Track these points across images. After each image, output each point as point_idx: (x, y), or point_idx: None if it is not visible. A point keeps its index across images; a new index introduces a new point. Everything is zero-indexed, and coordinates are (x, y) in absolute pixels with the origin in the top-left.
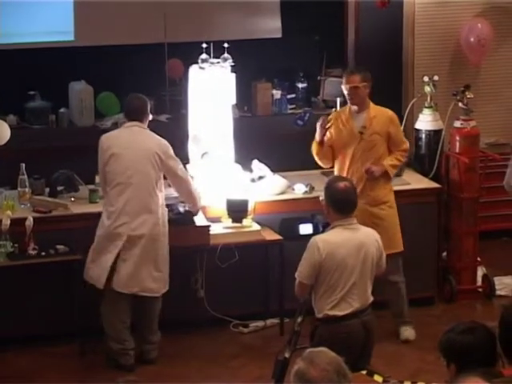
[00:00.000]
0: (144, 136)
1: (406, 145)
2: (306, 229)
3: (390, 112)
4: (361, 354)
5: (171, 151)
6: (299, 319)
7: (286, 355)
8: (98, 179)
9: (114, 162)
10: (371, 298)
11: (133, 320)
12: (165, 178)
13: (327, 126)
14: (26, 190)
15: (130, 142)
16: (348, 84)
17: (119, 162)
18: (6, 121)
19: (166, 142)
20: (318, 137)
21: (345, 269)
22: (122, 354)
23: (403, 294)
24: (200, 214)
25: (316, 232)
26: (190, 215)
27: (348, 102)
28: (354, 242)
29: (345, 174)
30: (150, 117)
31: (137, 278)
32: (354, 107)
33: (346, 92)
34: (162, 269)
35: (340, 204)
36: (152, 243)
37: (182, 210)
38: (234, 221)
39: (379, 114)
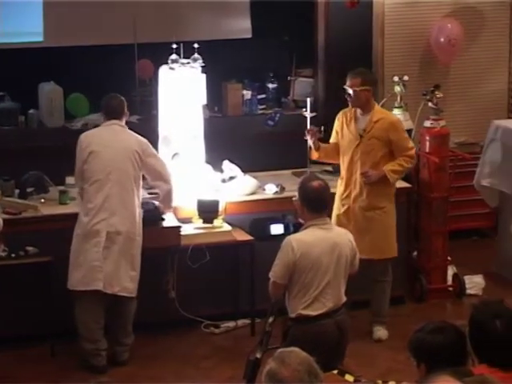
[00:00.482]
0: (123, 134)
1: (412, 151)
2: (277, 229)
3: (393, 118)
4: (334, 354)
5: (151, 149)
6: (270, 319)
7: (258, 355)
8: (68, 180)
9: (93, 160)
10: (344, 298)
11: (106, 321)
12: (144, 178)
13: (317, 135)
14: None
15: (109, 140)
16: (348, 86)
17: (98, 160)
18: None
19: (145, 140)
20: (312, 146)
21: (319, 268)
22: (94, 355)
23: (386, 293)
24: (170, 214)
25: (287, 232)
26: (157, 212)
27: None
28: (328, 241)
29: (344, 174)
30: (127, 116)
31: (117, 277)
32: (358, 109)
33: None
34: (137, 269)
35: (314, 203)
36: (129, 241)
37: (151, 207)
38: (205, 221)
39: (382, 119)
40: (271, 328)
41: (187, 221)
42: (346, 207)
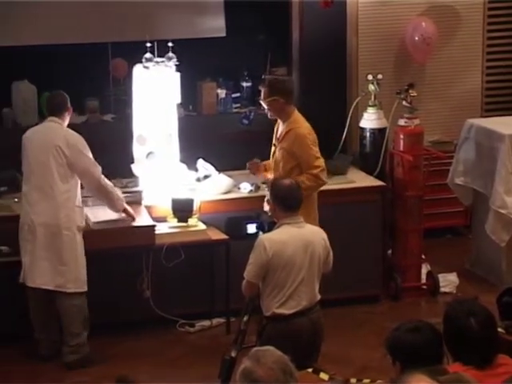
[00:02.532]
0: (52, 130)
1: (316, 170)
2: (252, 228)
3: (299, 130)
4: (309, 352)
5: (80, 146)
6: (245, 318)
7: (233, 354)
8: None
9: (25, 156)
10: (318, 296)
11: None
12: None
13: (260, 167)
14: None
15: (38, 136)
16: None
17: (27, 155)
18: None
19: (76, 136)
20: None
21: (292, 267)
22: (37, 342)
23: None
24: (145, 213)
25: (262, 231)
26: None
27: None
28: (301, 239)
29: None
30: (70, 112)
31: (37, 271)
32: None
33: None
34: (69, 263)
35: (285, 201)
36: (52, 235)
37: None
38: (180, 220)
39: (291, 130)
40: (246, 327)
41: (162, 220)
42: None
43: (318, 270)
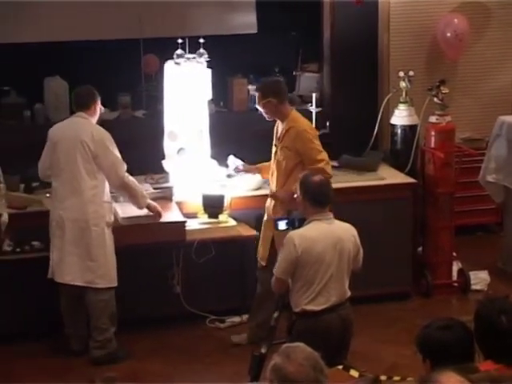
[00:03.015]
0: (79, 125)
1: (320, 164)
2: (283, 224)
3: (301, 126)
4: (338, 349)
5: (106, 141)
6: (275, 314)
7: (263, 350)
8: None
9: (53, 152)
10: (349, 293)
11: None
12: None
13: (245, 168)
14: (1, 186)
15: (65, 131)
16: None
17: (55, 151)
18: None
19: (102, 132)
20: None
21: (321, 264)
22: (68, 338)
23: None
24: (175, 209)
25: (292, 227)
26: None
27: None
28: (331, 236)
29: (270, 182)
30: (102, 109)
31: (66, 266)
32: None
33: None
34: (98, 259)
35: (315, 197)
36: (81, 231)
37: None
38: (210, 216)
39: (292, 128)
40: (276, 323)
41: (192, 216)
42: (268, 216)
43: (347, 266)
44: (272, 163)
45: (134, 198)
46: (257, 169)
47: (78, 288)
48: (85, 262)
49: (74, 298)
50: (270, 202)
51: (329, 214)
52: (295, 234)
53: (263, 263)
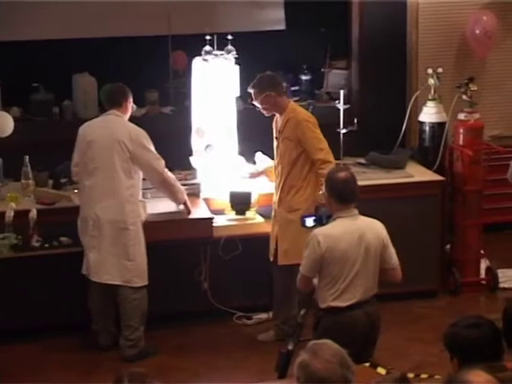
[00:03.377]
0: (115, 124)
1: (321, 154)
2: (310, 221)
3: (300, 116)
4: (364, 346)
5: (143, 140)
6: (302, 311)
7: (290, 347)
8: None
9: (88, 150)
10: (375, 290)
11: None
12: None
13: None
14: (30, 182)
15: (100, 130)
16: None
17: (91, 150)
18: (9, 113)
19: (138, 130)
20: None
21: (346, 261)
22: (96, 333)
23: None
24: (203, 206)
25: (320, 224)
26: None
27: None
28: (355, 233)
29: (276, 176)
30: (134, 107)
31: (104, 266)
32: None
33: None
34: (135, 258)
35: (341, 194)
36: (118, 231)
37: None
38: (238, 213)
39: (291, 118)
40: (303, 320)
41: (220, 212)
42: (274, 211)
43: (373, 262)
44: (275, 158)
45: (173, 193)
46: (263, 173)
47: (111, 286)
48: (123, 262)
49: (105, 296)
50: (277, 197)
51: (354, 211)
52: (319, 231)
53: (271, 258)
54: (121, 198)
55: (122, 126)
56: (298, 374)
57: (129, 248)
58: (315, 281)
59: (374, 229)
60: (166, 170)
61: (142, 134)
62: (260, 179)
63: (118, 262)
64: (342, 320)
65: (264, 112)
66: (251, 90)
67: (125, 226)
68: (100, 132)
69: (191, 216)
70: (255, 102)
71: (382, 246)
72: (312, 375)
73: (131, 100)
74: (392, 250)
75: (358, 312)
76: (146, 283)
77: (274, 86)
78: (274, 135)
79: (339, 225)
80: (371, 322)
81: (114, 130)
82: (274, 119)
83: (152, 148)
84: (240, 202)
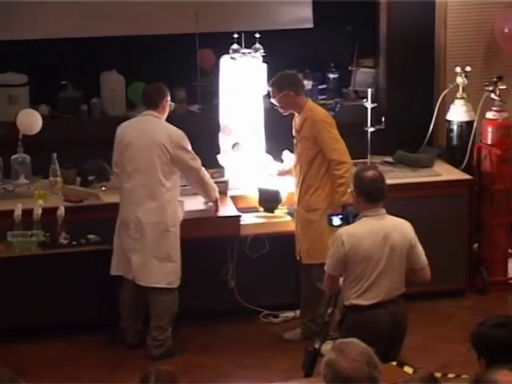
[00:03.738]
0: (154, 125)
1: (336, 155)
2: (337, 220)
3: (317, 115)
4: (389, 345)
5: (183, 142)
6: (329, 310)
7: (316, 346)
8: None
9: (125, 151)
10: (402, 289)
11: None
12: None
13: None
14: (58, 179)
15: (139, 131)
16: (272, 98)
17: (129, 151)
18: (38, 111)
19: (178, 132)
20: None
21: (370, 260)
22: (124, 331)
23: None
24: (230, 204)
25: (347, 223)
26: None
27: None
28: (380, 233)
29: (295, 175)
30: (172, 105)
31: (149, 269)
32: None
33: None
34: (176, 260)
35: (369, 193)
36: (161, 233)
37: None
38: (267, 211)
39: (308, 117)
40: (330, 319)
41: (247, 210)
42: (295, 210)
43: (399, 262)
44: (294, 157)
45: (207, 191)
46: (289, 172)
47: (145, 287)
48: (165, 264)
49: (138, 296)
50: (297, 197)
51: (381, 210)
52: (343, 230)
53: (298, 257)
54: (162, 201)
55: (161, 127)
56: (324, 372)
57: (171, 249)
58: (341, 280)
59: (401, 229)
60: (203, 168)
61: (181, 136)
62: (286, 177)
63: (161, 265)
64: (365, 319)
65: (281, 110)
66: (270, 88)
67: (166, 228)
68: (138, 133)
69: (218, 214)
70: (273, 100)
71: (409, 247)
72: (338, 374)
73: (169, 99)
74: (420, 250)
75: (382, 311)
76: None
77: (292, 84)
78: (293, 134)
79: (364, 224)
80: (396, 322)
81: (152, 132)
82: (293, 118)
83: (190, 148)
84: (268, 200)
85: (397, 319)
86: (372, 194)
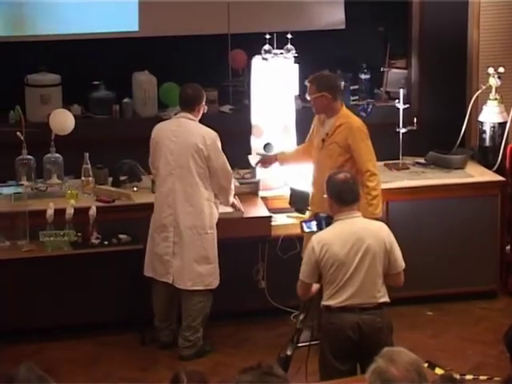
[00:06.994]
0: (188, 127)
1: (370, 165)
2: (309, 226)
3: (355, 123)
4: (358, 354)
5: (216, 144)
6: (301, 317)
7: (288, 352)
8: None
9: (160, 153)
10: (382, 298)
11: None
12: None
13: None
14: (90, 179)
15: (174, 133)
16: (307, 94)
17: (163, 153)
18: (70, 110)
19: (212, 135)
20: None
21: (341, 264)
22: (159, 330)
23: None
24: (261, 205)
25: (319, 228)
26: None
27: None
28: (351, 237)
29: (312, 177)
30: (205, 108)
31: (187, 272)
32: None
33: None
34: (213, 262)
35: (340, 196)
36: (198, 236)
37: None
38: (298, 211)
39: (344, 124)
40: (302, 325)
41: (278, 211)
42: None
43: (373, 266)
44: (314, 159)
45: (229, 196)
46: (280, 158)
47: (179, 288)
48: (204, 266)
49: (172, 297)
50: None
51: (354, 213)
52: (315, 237)
53: None
54: (199, 204)
55: (196, 130)
56: (371, 379)
57: (209, 252)
58: (315, 286)
59: (375, 233)
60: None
61: (215, 138)
62: (271, 166)
63: (200, 268)
64: (333, 320)
65: (313, 109)
66: (307, 84)
67: (204, 230)
68: (172, 136)
69: (250, 215)
70: (308, 97)
71: (384, 251)
72: (388, 382)
73: (204, 102)
74: (397, 255)
75: (350, 316)
76: None
77: (332, 88)
78: (319, 136)
79: (335, 228)
80: (364, 331)
81: (187, 135)
82: (317, 118)
83: (222, 150)
84: (298, 201)
85: (365, 329)
86: (343, 196)
